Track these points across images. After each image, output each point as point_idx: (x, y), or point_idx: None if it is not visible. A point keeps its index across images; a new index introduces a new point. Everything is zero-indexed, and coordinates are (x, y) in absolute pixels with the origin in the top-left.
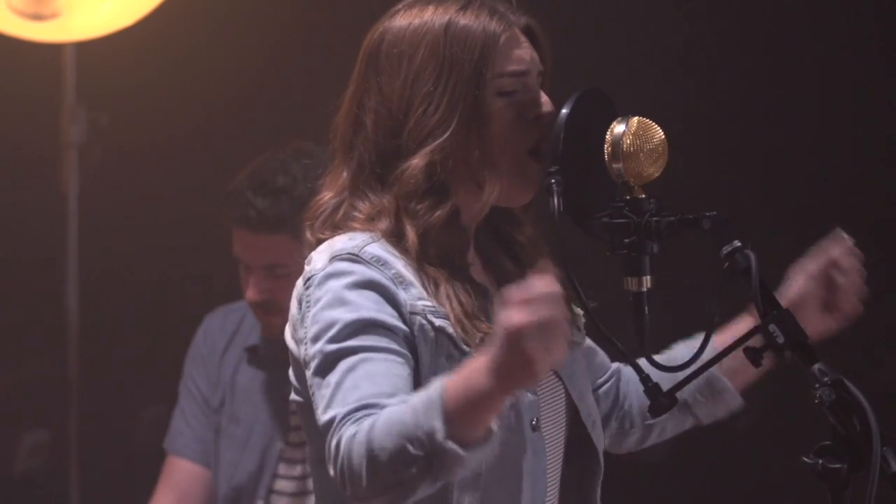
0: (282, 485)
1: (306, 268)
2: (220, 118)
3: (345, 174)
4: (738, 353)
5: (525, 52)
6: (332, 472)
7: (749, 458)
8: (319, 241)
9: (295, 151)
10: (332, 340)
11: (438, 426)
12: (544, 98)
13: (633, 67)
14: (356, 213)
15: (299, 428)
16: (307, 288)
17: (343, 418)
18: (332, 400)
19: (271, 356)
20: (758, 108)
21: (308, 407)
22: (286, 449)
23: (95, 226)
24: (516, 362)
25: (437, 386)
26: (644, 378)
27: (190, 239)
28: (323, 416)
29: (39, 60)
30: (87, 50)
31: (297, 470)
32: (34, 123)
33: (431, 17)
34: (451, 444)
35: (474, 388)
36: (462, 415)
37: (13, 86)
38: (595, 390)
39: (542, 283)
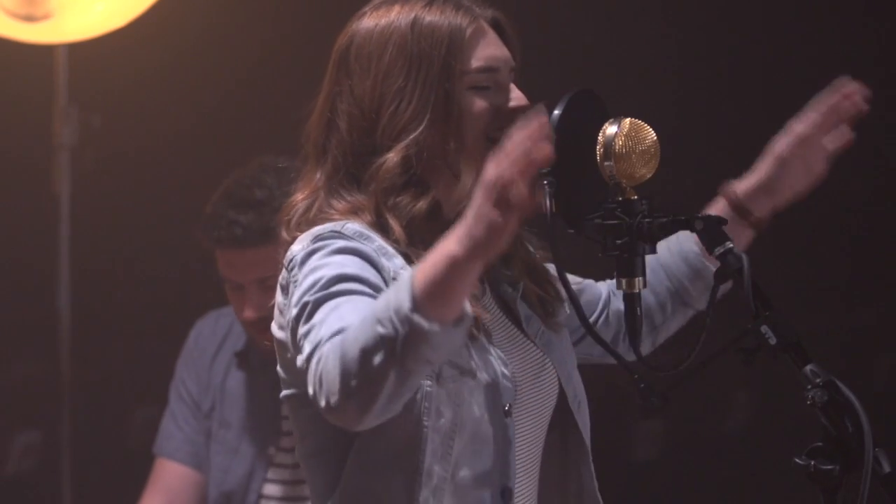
0: (271, 489)
1: (286, 255)
2: (213, 119)
3: (319, 176)
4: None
5: (494, 49)
6: (311, 391)
7: (741, 459)
8: (295, 239)
9: (260, 166)
10: (315, 292)
11: (405, 299)
12: (516, 93)
13: (625, 68)
14: (331, 210)
15: (290, 433)
16: (291, 270)
17: (326, 340)
18: (316, 334)
19: (260, 360)
20: (751, 108)
21: (298, 400)
22: (277, 454)
23: (87, 227)
24: (492, 214)
25: (410, 270)
26: (636, 379)
27: (182, 240)
28: (305, 350)
29: (31, 62)
30: (80, 51)
31: (287, 474)
32: (26, 125)
33: (397, 15)
34: (417, 317)
35: (443, 255)
36: (431, 287)
37: (5, 87)
38: (595, 323)
39: (522, 133)
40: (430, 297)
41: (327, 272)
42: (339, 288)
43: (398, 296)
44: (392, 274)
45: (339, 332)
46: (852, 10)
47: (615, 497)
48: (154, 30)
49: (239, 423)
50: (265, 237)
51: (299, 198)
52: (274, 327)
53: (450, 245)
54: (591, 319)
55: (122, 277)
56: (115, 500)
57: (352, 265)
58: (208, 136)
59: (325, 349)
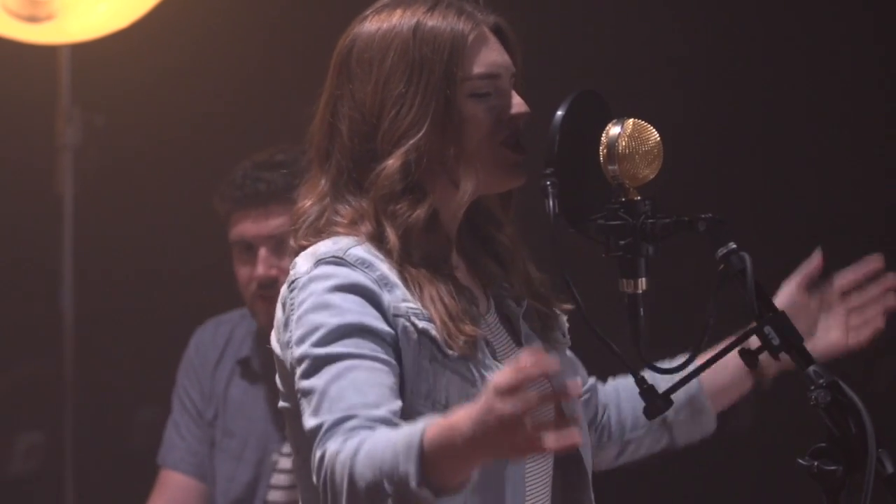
0: (276, 495)
1: (290, 272)
2: (216, 120)
3: (323, 181)
4: (726, 372)
5: (496, 55)
6: (315, 479)
7: (745, 460)
8: (303, 248)
9: (290, 144)
10: (316, 345)
11: (412, 472)
12: (517, 99)
13: (628, 69)
14: (338, 218)
15: None
16: (291, 291)
17: (329, 429)
18: (318, 408)
19: (264, 368)
20: (753, 109)
21: (294, 413)
22: (280, 459)
23: (91, 228)
24: (498, 441)
25: (421, 428)
26: (640, 380)
27: (185, 241)
28: (309, 423)
29: (35, 62)
30: (83, 52)
31: (291, 480)
32: (29, 125)
33: (399, 20)
34: (423, 492)
35: (453, 445)
36: (438, 465)
37: (8, 88)
38: (600, 421)
39: (531, 365)
40: (437, 473)
41: (329, 320)
42: (340, 350)
43: (406, 460)
44: (393, 310)
45: (341, 420)
46: (853, 10)
47: (615, 497)
48: (157, 30)
49: (242, 432)
50: (287, 195)
51: (307, 204)
52: (273, 340)
53: (464, 440)
54: (596, 417)
55: (126, 278)
56: (118, 501)
57: (353, 309)
58: (211, 136)
59: (330, 457)
